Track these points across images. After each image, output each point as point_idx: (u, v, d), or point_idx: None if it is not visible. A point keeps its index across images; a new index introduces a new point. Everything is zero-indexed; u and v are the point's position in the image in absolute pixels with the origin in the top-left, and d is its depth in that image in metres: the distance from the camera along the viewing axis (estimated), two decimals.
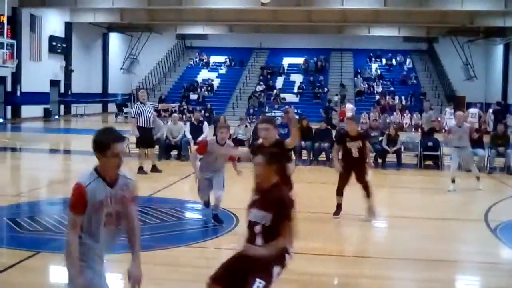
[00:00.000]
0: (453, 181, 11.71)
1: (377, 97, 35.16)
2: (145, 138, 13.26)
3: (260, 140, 6.72)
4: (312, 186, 12.32)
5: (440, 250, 7.48)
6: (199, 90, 38.06)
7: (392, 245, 7.95)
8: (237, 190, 8.63)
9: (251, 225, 4.46)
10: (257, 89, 37.36)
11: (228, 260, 4.53)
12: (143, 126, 13.16)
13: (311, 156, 15.76)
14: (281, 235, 4.33)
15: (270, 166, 4.47)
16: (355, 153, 9.03)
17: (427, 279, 6.33)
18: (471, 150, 12.25)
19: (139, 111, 13.17)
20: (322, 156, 15.81)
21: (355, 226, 8.84)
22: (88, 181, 3.75)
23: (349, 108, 27.17)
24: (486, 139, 15.67)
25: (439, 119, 28.35)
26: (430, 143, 15.95)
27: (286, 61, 41.83)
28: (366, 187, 8.97)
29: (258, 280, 4.19)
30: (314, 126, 16.84)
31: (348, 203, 9.12)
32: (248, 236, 4.49)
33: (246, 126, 17.58)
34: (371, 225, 9.22)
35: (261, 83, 38.45)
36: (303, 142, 15.42)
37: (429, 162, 15.73)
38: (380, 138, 15.86)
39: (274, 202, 4.37)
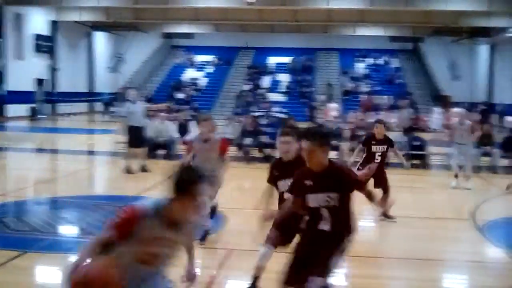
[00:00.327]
0: (456, 176, 11.85)
1: (364, 96, 35.27)
2: (136, 137, 13.18)
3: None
4: None
5: (429, 249, 7.52)
6: (185, 89, 37.95)
7: (381, 245, 7.99)
8: (227, 190, 8.59)
9: (316, 210, 4.40)
10: (244, 89, 37.34)
11: (292, 259, 4.51)
12: (134, 125, 13.08)
13: None
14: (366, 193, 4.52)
15: (323, 148, 4.36)
16: (377, 158, 8.87)
17: (417, 278, 6.37)
18: (472, 147, 12.41)
19: (129, 110, 13.10)
20: None
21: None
22: (146, 213, 3.36)
23: (333, 107, 27.20)
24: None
25: (425, 118, 28.55)
26: (417, 143, 16.03)
27: (273, 60, 41.84)
28: (385, 188, 8.83)
29: (315, 278, 4.24)
30: (301, 125, 16.87)
31: None
32: (311, 221, 4.47)
33: (233, 125, 17.55)
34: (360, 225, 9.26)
35: (248, 82, 38.44)
36: None
37: (417, 161, 15.80)
38: None
39: (337, 181, 4.32)
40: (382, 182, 8.79)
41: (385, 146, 9.01)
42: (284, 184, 5.18)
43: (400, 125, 18.70)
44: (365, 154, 9.08)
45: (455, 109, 22.43)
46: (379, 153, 8.94)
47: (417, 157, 15.84)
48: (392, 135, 17.04)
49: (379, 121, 9.63)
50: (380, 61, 41.55)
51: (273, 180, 5.44)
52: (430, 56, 39.20)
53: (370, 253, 7.40)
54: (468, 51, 38.59)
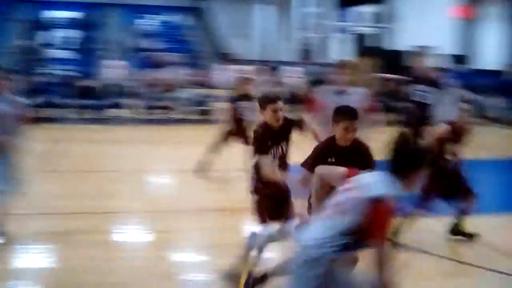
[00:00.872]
0: None
1: (152, 54, 35.14)
2: None
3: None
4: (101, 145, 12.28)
5: (218, 199, 7.94)
6: None
7: (173, 198, 8.21)
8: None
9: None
10: (25, 45, 35.00)
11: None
12: None
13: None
14: None
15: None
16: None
17: (212, 226, 6.73)
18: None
19: None
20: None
21: (142, 183, 8.97)
22: (394, 196, 3.11)
23: (120, 64, 26.59)
24: None
25: (209, 75, 29.28)
26: (202, 98, 16.77)
27: (58, 15, 39.63)
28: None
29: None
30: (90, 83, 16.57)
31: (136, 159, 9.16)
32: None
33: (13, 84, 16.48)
34: (155, 181, 9.46)
35: (28, 37, 36.08)
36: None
37: (204, 117, 16.48)
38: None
39: (362, 156, 4.28)
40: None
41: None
42: (276, 151, 4.90)
43: (187, 81, 18.95)
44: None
45: (240, 67, 23.34)
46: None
47: (203, 112, 16.71)
48: (183, 92, 17.49)
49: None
50: (168, 18, 41.55)
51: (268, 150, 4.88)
52: (216, 14, 40.08)
53: (167, 207, 7.60)
54: (257, 10, 40.16)
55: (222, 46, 38.17)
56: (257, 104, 5.07)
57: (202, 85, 17.99)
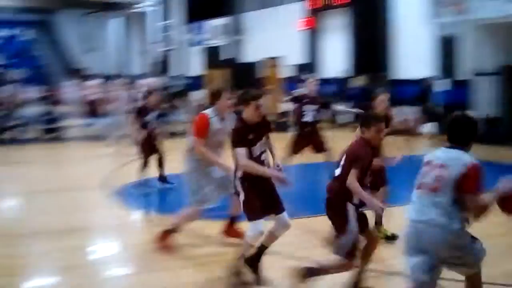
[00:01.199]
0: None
1: None
2: None
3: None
4: None
5: (69, 220, 7.61)
6: None
7: (21, 221, 7.78)
8: None
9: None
10: None
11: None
12: None
13: None
14: None
15: None
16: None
17: (64, 248, 6.39)
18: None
19: None
20: None
21: None
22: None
23: None
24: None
25: (60, 91, 28.14)
26: (51, 116, 16.19)
27: None
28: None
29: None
30: None
31: None
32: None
33: None
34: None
35: None
36: None
37: (53, 135, 15.89)
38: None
39: None
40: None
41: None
42: (259, 146, 5.11)
43: (33, 98, 18.01)
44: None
45: (91, 82, 22.76)
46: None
47: (52, 130, 15.98)
48: (28, 109, 16.66)
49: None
50: (10, 32, 39.52)
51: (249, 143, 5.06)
52: (62, 29, 38.80)
53: (15, 230, 7.18)
54: (101, 24, 39.32)
55: (72, 61, 37.00)
56: (239, 100, 5.20)
57: (50, 102, 17.18)
